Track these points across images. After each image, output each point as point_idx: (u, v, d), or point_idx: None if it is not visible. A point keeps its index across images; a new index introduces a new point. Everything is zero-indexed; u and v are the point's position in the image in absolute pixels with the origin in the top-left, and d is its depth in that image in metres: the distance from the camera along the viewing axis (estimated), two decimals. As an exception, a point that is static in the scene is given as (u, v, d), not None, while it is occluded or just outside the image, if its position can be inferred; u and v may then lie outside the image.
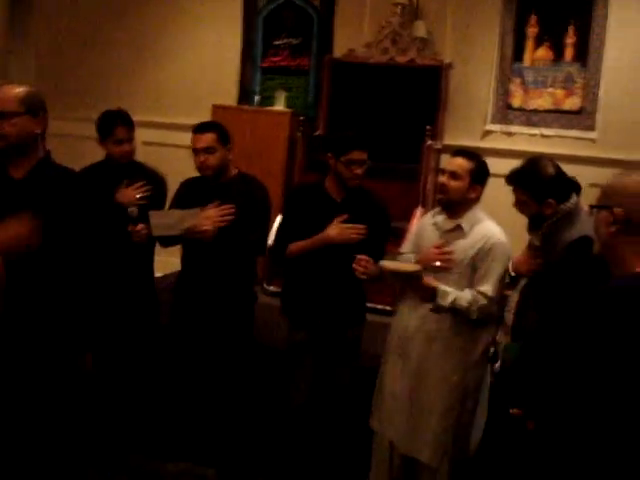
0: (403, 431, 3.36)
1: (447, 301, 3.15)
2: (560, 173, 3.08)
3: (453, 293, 3.16)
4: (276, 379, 3.99)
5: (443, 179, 3.27)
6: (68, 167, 2.87)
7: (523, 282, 3.11)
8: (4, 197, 2.70)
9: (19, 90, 2.71)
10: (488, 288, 3.17)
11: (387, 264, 3.20)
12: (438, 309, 3.18)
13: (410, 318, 3.35)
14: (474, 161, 3.28)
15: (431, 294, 3.16)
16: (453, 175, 3.25)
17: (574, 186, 3.08)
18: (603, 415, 1.73)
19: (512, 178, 3.10)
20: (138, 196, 3.77)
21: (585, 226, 2.73)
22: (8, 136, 2.67)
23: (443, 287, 3.17)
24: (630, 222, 1.85)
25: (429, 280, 3.16)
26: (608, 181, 1.96)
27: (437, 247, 3.28)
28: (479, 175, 3.28)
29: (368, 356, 3.76)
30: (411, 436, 3.34)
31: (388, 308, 4.34)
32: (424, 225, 3.50)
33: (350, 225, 3.50)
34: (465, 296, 3.17)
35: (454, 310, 3.17)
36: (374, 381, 3.54)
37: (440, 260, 3.22)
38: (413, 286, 3.20)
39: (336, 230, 3.51)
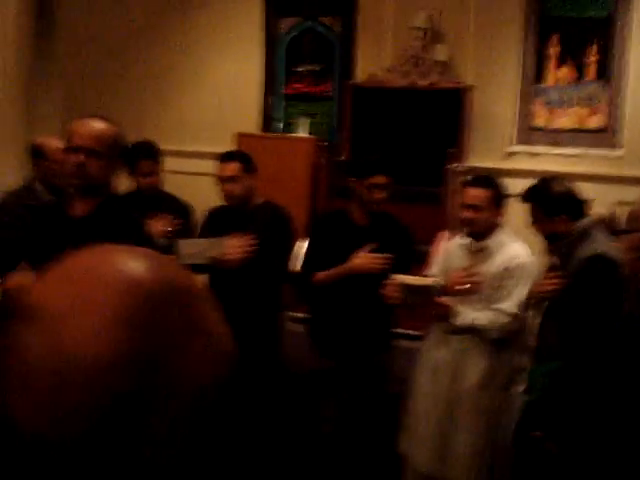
0: (434, 455, 3.34)
1: (466, 321, 3.14)
2: (571, 191, 3.11)
3: (472, 313, 3.15)
4: (304, 406, 3.97)
5: (466, 214, 3.27)
6: (129, 207, 2.78)
7: (545, 304, 3.10)
8: (61, 236, 2.47)
9: (112, 130, 2.64)
10: (510, 305, 3.16)
11: (402, 277, 3.20)
12: (456, 329, 3.17)
13: (440, 347, 3.34)
14: (491, 188, 3.29)
15: (449, 313, 3.15)
16: (475, 208, 3.25)
17: (585, 206, 3.11)
18: (631, 442, 1.71)
19: (525, 195, 3.15)
20: (168, 229, 3.80)
21: (599, 244, 2.73)
22: (91, 175, 2.54)
23: (462, 307, 3.16)
24: None
25: (446, 299, 3.16)
26: (635, 206, 1.94)
27: (464, 270, 3.27)
28: (499, 199, 3.30)
29: (396, 381, 3.73)
30: (442, 459, 3.32)
31: (417, 333, 4.32)
32: (452, 248, 3.49)
33: (375, 255, 3.49)
34: (486, 315, 3.16)
35: (474, 330, 3.16)
36: (402, 406, 3.52)
37: (469, 282, 3.21)
38: (429, 303, 3.20)
39: (361, 260, 3.50)
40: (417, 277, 3.26)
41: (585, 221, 3.02)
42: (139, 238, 2.47)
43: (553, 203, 3.06)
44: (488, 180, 3.35)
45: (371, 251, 3.51)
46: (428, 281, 3.19)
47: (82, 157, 2.51)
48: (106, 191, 2.65)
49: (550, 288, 3.04)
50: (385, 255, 3.48)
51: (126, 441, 0.56)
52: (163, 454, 0.58)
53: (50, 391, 0.56)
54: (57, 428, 0.55)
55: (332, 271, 3.58)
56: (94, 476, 0.56)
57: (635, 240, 1.87)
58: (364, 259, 3.50)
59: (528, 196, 3.16)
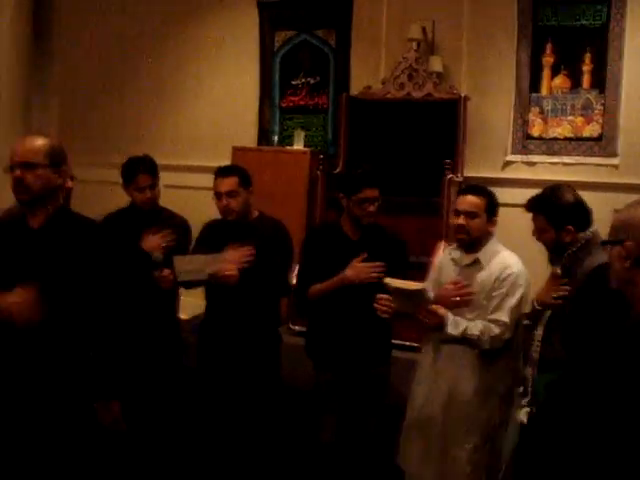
0: (434, 468, 3.32)
1: (458, 330, 3.14)
2: (579, 201, 3.07)
3: (464, 322, 3.16)
4: (303, 420, 3.96)
5: (461, 220, 3.27)
6: (87, 216, 2.91)
7: (547, 314, 3.08)
8: (22, 247, 2.75)
9: (43, 142, 2.76)
10: (501, 314, 3.17)
11: (391, 281, 3.19)
12: (448, 339, 3.17)
13: (434, 359, 3.34)
14: (485, 196, 3.31)
15: (440, 323, 3.15)
16: (470, 215, 3.26)
17: (592, 216, 3.07)
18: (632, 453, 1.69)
19: (532, 205, 3.11)
20: (163, 245, 3.80)
21: (604, 255, 2.71)
22: (32, 187, 2.69)
23: (453, 316, 3.16)
24: None
25: (438, 307, 3.15)
26: (617, 215, 1.93)
27: (454, 283, 3.26)
28: (492, 208, 3.31)
29: (395, 393, 3.73)
30: (442, 474, 3.31)
31: (415, 345, 4.31)
32: (442, 261, 3.50)
33: (368, 264, 3.49)
34: (477, 325, 3.16)
35: (465, 340, 3.16)
36: (401, 419, 3.51)
37: (459, 295, 3.20)
38: (421, 311, 3.18)
39: (354, 270, 3.50)
40: (408, 281, 3.25)
41: (590, 232, 3.00)
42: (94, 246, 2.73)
43: (561, 213, 3.01)
44: (482, 189, 3.37)
45: (363, 261, 3.51)
46: (419, 286, 3.18)
47: (18, 172, 2.69)
48: (56, 200, 2.79)
49: (557, 296, 3.01)
50: (377, 263, 3.47)
51: None
52: None
53: None
54: None
55: (326, 283, 3.58)
56: None
57: (624, 250, 1.85)
58: (356, 270, 3.50)
59: (535, 205, 3.10)
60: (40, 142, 2.76)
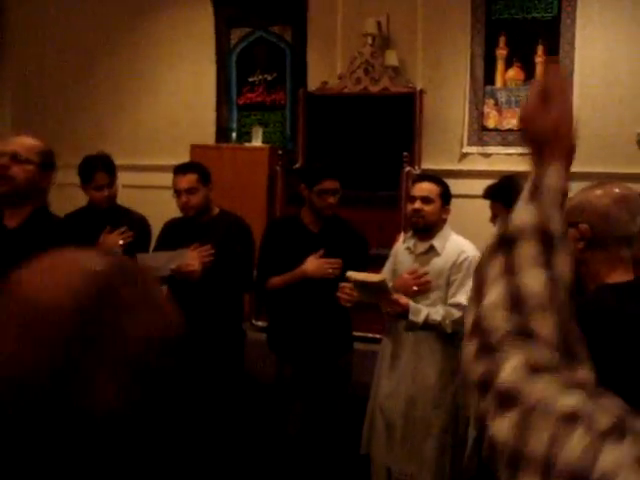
0: (401, 456, 3.37)
1: (420, 317, 3.18)
2: None
3: (425, 309, 3.20)
4: (268, 414, 3.97)
5: (417, 205, 3.33)
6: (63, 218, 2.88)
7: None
8: None
9: (38, 142, 2.74)
10: (461, 298, 3.22)
11: (353, 275, 3.23)
12: (412, 326, 3.21)
13: (397, 346, 3.38)
14: (441, 184, 3.39)
15: (403, 311, 3.19)
16: (425, 200, 3.32)
17: None
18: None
19: (489, 192, 3.18)
20: (121, 242, 3.78)
21: None
22: (15, 178, 2.62)
23: (414, 304, 3.21)
24: (596, 236, 1.88)
25: (400, 297, 3.20)
26: (571, 198, 1.99)
27: (411, 272, 3.32)
28: (447, 196, 3.39)
29: (358, 384, 3.76)
30: (409, 460, 3.35)
31: (377, 336, 4.35)
32: (398, 250, 3.54)
33: (326, 260, 3.53)
34: (438, 311, 3.21)
35: (428, 326, 3.20)
36: (365, 409, 3.54)
37: (417, 285, 3.26)
38: (383, 301, 3.23)
39: (312, 265, 3.54)
40: (368, 274, 3.29)
41: None
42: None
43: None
44: (437, 178, 3.46)
45: (323, 256, 3.55)
46: (380, 277, 3.23)
47: (5, 159, 2.61)
48: (36, 200, 2.72)
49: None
50: (335, 260, 3.52)
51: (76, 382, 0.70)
52: (111, 400, 0.71)
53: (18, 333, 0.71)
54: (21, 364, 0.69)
55: (285, 276, 3.61)
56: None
57: (578, 232, 1.91)
58: (315, 264, 3.54)
59: (493, 193, 3.19)
60: (35, 141, 2.74)
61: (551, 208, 1.05)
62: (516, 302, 0.97)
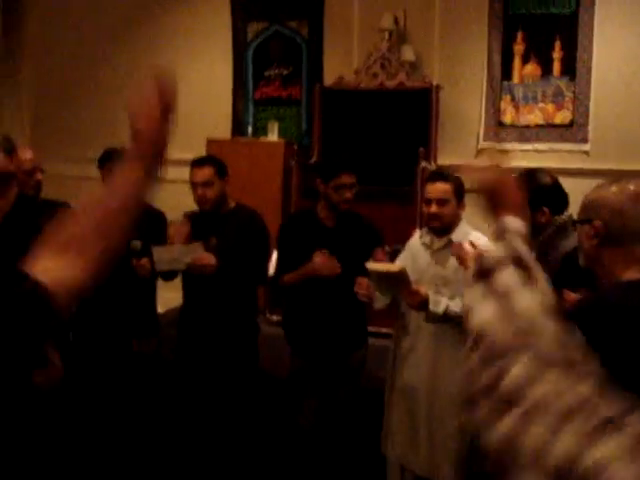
0: (422, 455, 3.35)
1: (440, 308, 3.17)
2: (557, 184, 3.12)
3: (445, 300, 3.18)
4: (282, 408, 3.98)
5: (433, 210, 3.31)
6: (52, 199, 2.93)
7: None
8: None
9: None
10: None
11: (373, 265, 3.23)
12: (432, 318, 3.20)
13: (415, 340, 3.37)
14: (453, 181, 3.34)
15: (423, 302, 3.18)
16: (441, 202, 3.30)
17: (568, 200, 3.12)
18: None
19: None
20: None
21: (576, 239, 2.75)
22: None
23: (434, 295, 3.19)
24: (610, 233, 1.86)
25: (420, 287, 3.18)
26: (587, 195, 1.97)
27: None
28: (460, 192, 3.35)
29: (372, 379, 3.76)
30: (430, 459, 3.34)
31: (389, 331, 4.34)
32: (414, 246, 3.51)
33: (333, 259, 3.54)
34: (457, 303, 3.19)
35: (448, 317, 3.18)
36: (378, 403, 3.54)
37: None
38: (402, 292, 3.22)
39: (320, 261, 3.54)
40: (388, 264, 3.28)
41: (566, 215, 3.04)
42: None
43: (537, 194, 3.06)
44: (448, 175, 3.41)
45: (338, 246, 3.55)
46: (399, 267, 3.22)
47: None
48: (10, 189, 2.84)
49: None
50: (339, 264, 3.52)
51: None
52: None
53: None
54: None
55: (296, 273, 3.63)
56: None
57: (592, 228, 1.90)
58: (323, 261, 3.54)
59: None
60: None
61: (517, 243, 1.25)
62: (511, 315, 1.10)
